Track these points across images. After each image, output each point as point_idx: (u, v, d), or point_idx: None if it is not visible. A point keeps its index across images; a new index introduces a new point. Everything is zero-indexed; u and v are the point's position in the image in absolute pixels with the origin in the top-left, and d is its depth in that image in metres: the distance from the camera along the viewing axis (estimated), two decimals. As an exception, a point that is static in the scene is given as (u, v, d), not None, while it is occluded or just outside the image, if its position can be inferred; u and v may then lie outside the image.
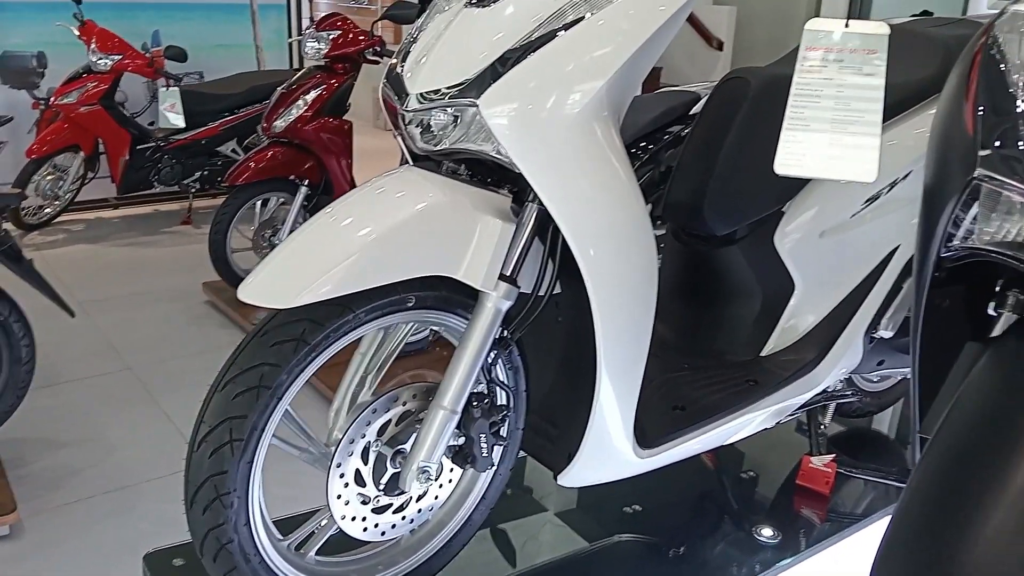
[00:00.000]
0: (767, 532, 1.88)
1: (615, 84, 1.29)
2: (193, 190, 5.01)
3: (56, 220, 4.87)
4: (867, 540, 1.99)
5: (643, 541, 1.92)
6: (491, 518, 1.87)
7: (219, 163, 4.91)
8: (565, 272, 1.41)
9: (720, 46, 7.00)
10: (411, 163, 1.44)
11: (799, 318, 1.87)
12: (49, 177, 4.65)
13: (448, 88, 1.28)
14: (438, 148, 1.34)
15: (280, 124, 3.53)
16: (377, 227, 1.26)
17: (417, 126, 1.34)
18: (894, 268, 1.82)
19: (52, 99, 4.56)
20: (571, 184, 1.32)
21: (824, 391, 1.91)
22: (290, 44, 5.62)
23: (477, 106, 1.25)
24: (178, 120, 4.52)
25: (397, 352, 1.45)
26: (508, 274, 1.33)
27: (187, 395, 3.03)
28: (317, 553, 1.43)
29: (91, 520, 2.43)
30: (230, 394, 1.23)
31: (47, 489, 2.54)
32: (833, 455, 2.08)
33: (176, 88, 4.53)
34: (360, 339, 1.44)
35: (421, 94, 1.31)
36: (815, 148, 1.30)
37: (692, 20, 6.97)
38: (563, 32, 1.26)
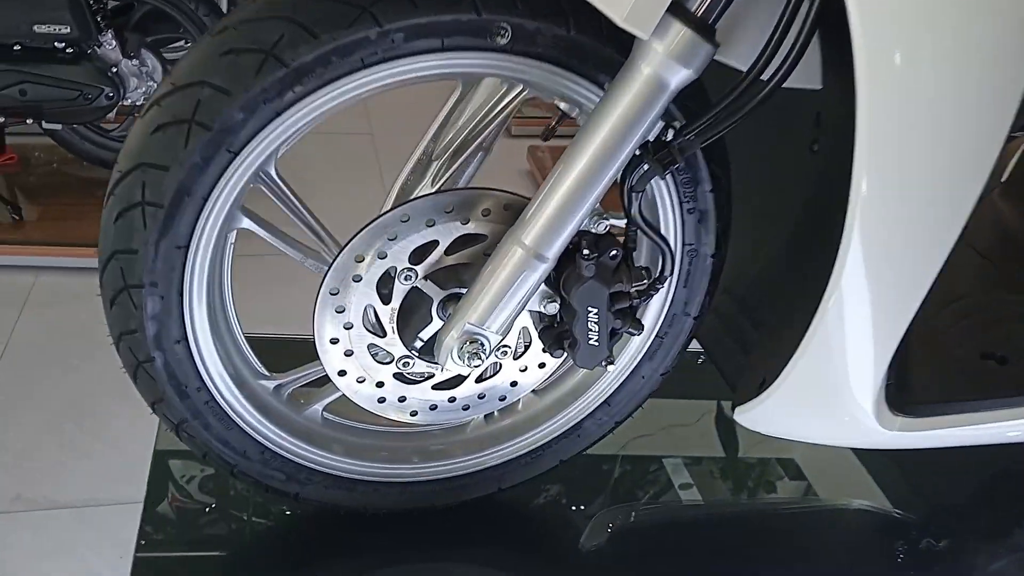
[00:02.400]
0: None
1: None
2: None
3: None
4: None
5: (889, 514, 1.23)
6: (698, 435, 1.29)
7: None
8: (833, 49, 0.70)
9: None
10: None
11: None
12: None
13: None
14: None
15: None
16: None
17: None
18: None
19: None
20: None
21: None
22: None
23: None
24: None
25: (489, 131, 0.85)
26: (693, 9, 0.66)
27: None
28: (328, 410, 0.95)
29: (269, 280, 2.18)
30: (150, 125, 0.72)
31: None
32: None
33: None
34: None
35: None
36: None
37: None
38: None
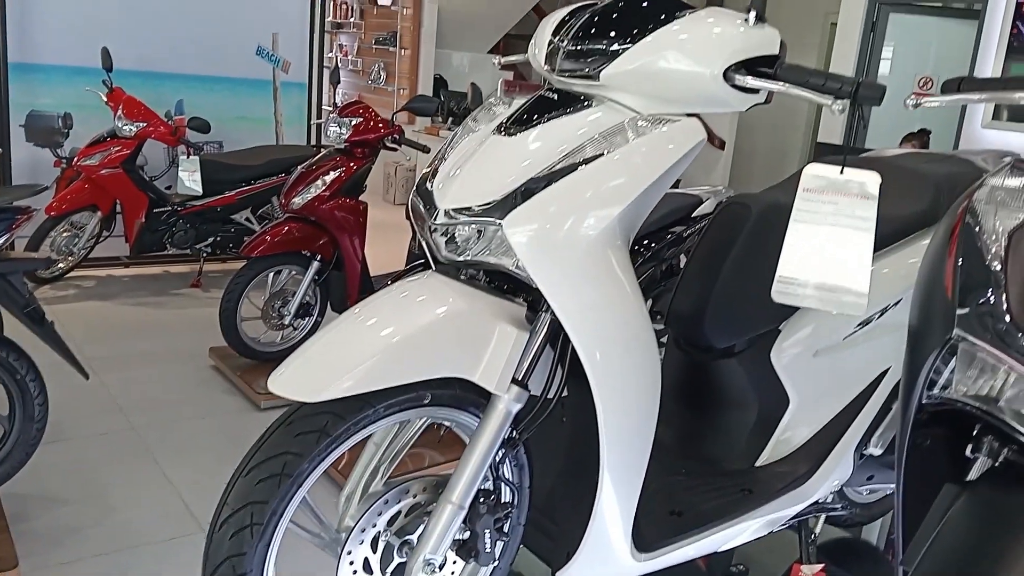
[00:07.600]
0: (754, 640, 1.92)
1: (627, 212, 1.41)
2: (204, 254, 5.12)
3: (68, 275, 4.96)
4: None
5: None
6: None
7: (232, 230, 5.04)
8: (573, 376, 1.50)
9: (722, 145, 7.24)
10: (433, 267, 1.55)
11: (793, 431, 1.95)
12: (65, 234, 4.76)
13: (477, 207, 1.39)
14: (461, 258, 1.44)
15: (298, 201, 3.65)
16: (400, 329, 1.35)
17: (443, 235, 1.45)
18: (884, 389, 1.92)
19: (75, 159, 4.70)
20: (582, 296, 1.43)
21: (815, 503, 1.98)
22: (311, 124, 5.81)
23: (500, 225, 1.37)
24: (196, 187, 4.66)
25: (411, 444, 1.53)
26: (520, 378, 1.42)
27: (189, 459, 3.08)
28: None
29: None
30: (254, 480, 1.30)
31: (49, 545, 2.57)
32: (822, 564, 2.14)
33: (196, 157, 4.69)
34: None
35: (450, 210, 1.42)
36: (809, 281, 1.40)
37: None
38: (583, 166, 1.38)
